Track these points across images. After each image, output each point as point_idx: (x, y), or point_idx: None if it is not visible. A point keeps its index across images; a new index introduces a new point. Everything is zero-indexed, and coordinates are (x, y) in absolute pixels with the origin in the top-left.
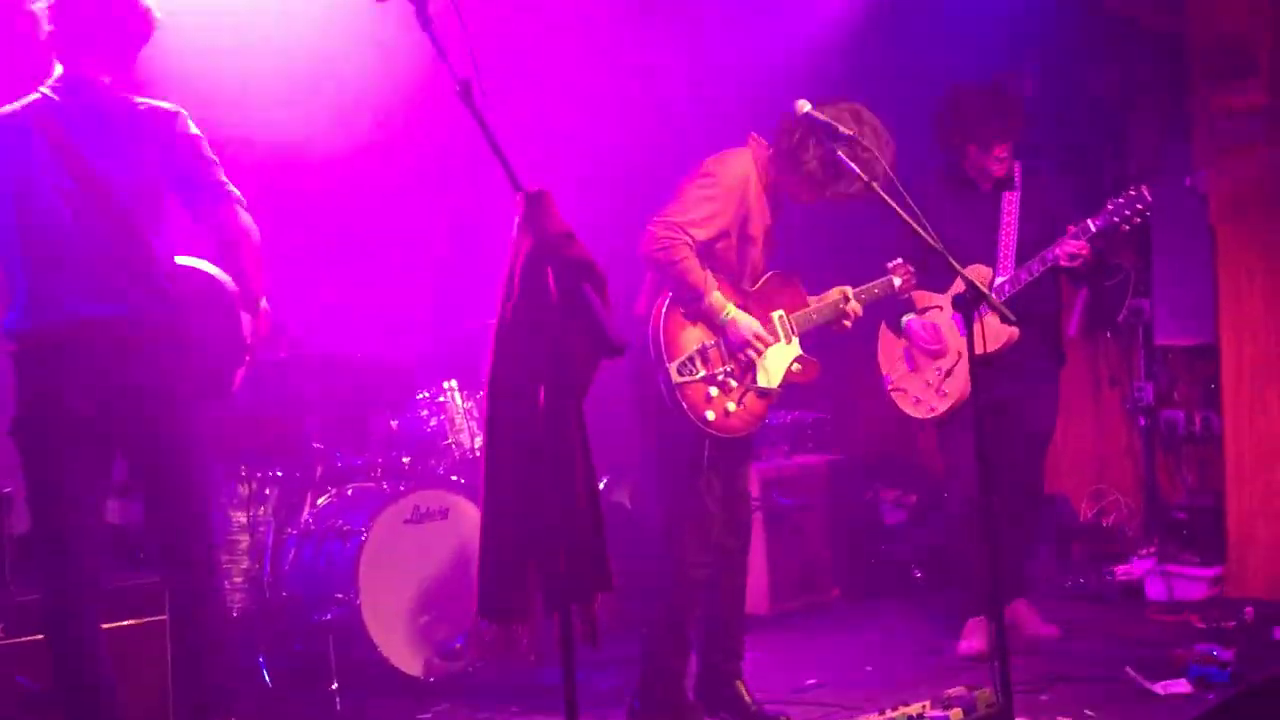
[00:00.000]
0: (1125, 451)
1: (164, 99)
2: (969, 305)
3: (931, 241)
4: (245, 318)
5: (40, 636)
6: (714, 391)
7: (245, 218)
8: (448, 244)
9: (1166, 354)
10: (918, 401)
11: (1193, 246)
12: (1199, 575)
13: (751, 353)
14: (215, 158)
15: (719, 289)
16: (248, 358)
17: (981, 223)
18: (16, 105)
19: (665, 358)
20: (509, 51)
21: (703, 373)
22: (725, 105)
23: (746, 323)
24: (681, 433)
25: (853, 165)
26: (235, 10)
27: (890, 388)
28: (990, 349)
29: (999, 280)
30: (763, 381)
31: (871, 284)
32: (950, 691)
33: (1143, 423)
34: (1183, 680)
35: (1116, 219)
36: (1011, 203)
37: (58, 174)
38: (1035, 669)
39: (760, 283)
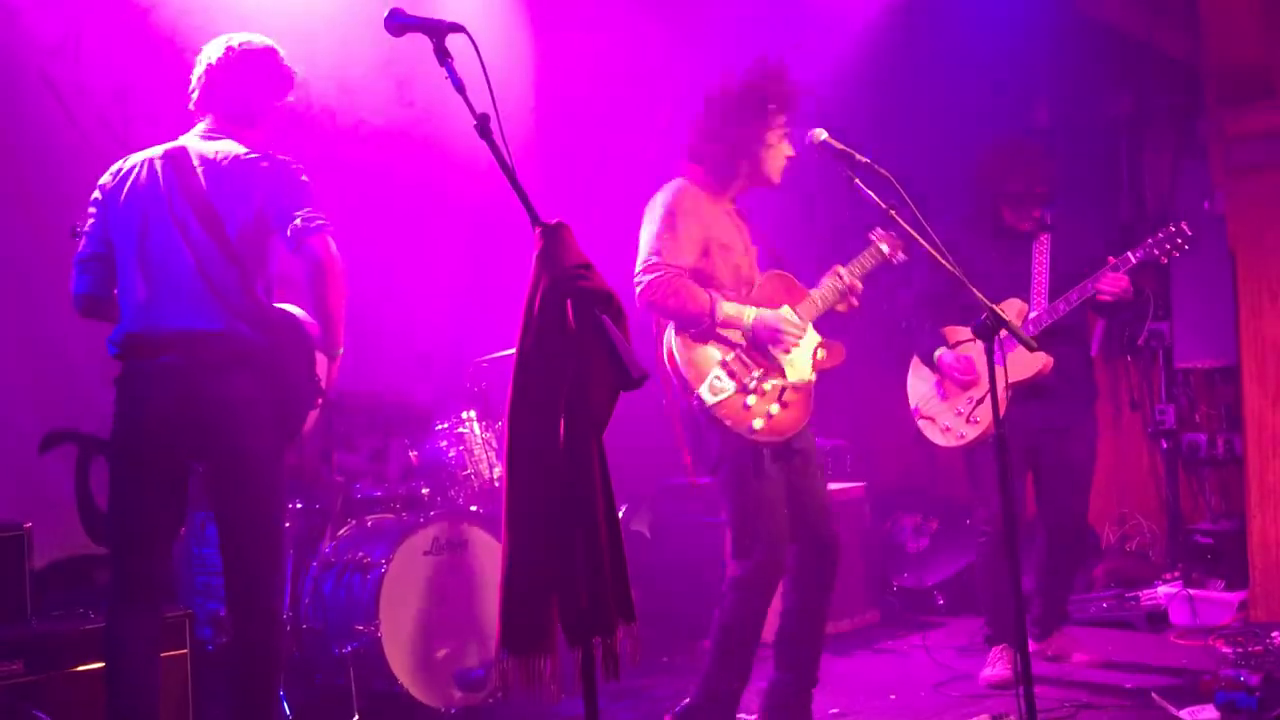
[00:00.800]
0: (1148, 475)
1: None
2: (989, 332)
3: (951, 269)
4: (323, 361)
5: (60, 670)
6: (751, 400)
7: (334, 248)
8: (468, 275)
9: (1187, 376)
10: (947, 430)
11: (1212, 269)
12: (1225, 600)
13: (789, 340)
14: (315, 194)
15: (725, 301)
16: (320, 401)
17: (1015, 260)
18: (160, 148)
19: (691, 386)
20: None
21: (733, 385)
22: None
23: (772, 316)
24: (738, 450)
25: (870, 193)
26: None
27: (919, 417)
28: (1021, 377)
29: (1032, 314)
30: (793, 376)
31: (860, 256)
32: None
33: (1164, 446)
34: (1210, 706)
35: (1156, 251)
36: (1044, 241)
37: (180, 208)
38: (1061, 696)
39: (757, 287)
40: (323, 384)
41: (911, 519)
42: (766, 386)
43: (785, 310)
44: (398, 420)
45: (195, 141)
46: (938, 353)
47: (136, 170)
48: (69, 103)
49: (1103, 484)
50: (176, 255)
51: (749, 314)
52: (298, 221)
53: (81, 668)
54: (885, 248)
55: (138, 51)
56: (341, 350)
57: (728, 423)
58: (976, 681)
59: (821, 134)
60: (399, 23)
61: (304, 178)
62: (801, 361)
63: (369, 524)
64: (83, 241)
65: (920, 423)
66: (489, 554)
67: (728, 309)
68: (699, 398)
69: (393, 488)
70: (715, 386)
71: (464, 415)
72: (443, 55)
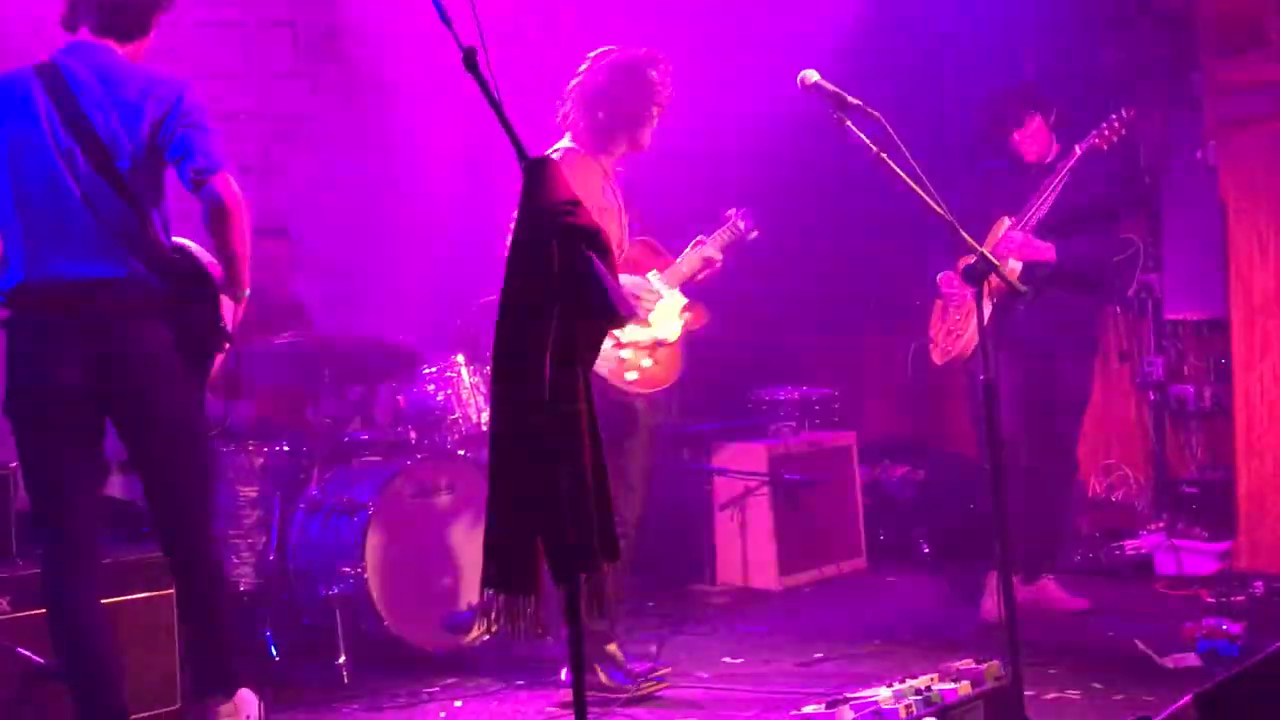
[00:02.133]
0: (1135, 426)
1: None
2: (978, 276)
3: (939, 210)
4: (227, 304)
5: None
6: (627, 354)
7: (235, 188)
8: (457, 218)
9: (1176, 328)
10: (940, 348)
11: (1202, 220)
12: (1208, 550)
13: (644, 306)
14: (214, 129)
15: None
16: (227, 345)
17: (1024, 195)
18: (31, 66)
19: None
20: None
21: (609, 343)
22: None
23: (629, 283)
24: (616, 402)
25: (861, 135)
26: None
27: (928, 343)
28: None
29: (1004, 230)
30: (662, 334)
31: (718, 231)
32: (958, 664)
33: (1152, 397)
34: (1192, 654)
35: (1097, 140)
36: (1050, 186)
37: (60, 133)
38: (1044, 642)
39: (624, 251)
40: (229, 327)
41: (899, 469)
42: (637, 339)
43: (651, 274)
44: (385, 364)
45: (72, 58)
46: (939, 276)
47: (4, 91)
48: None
49: (1090, 434)
50: (61, 191)
51: None
52: (196, 158)
53: None
54: (741, 224)
55: None
56: (247, 292)
57: (606, 376)
58: (966, 624)
59: (813, 75)
60: None
61: (197, 98)
62: (668, 321)
63: (356, 467)
64: None
65: (931, 349)
66: (476, 497)
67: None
68: None
69: (380, 432)
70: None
71: (453, 359)
72: None
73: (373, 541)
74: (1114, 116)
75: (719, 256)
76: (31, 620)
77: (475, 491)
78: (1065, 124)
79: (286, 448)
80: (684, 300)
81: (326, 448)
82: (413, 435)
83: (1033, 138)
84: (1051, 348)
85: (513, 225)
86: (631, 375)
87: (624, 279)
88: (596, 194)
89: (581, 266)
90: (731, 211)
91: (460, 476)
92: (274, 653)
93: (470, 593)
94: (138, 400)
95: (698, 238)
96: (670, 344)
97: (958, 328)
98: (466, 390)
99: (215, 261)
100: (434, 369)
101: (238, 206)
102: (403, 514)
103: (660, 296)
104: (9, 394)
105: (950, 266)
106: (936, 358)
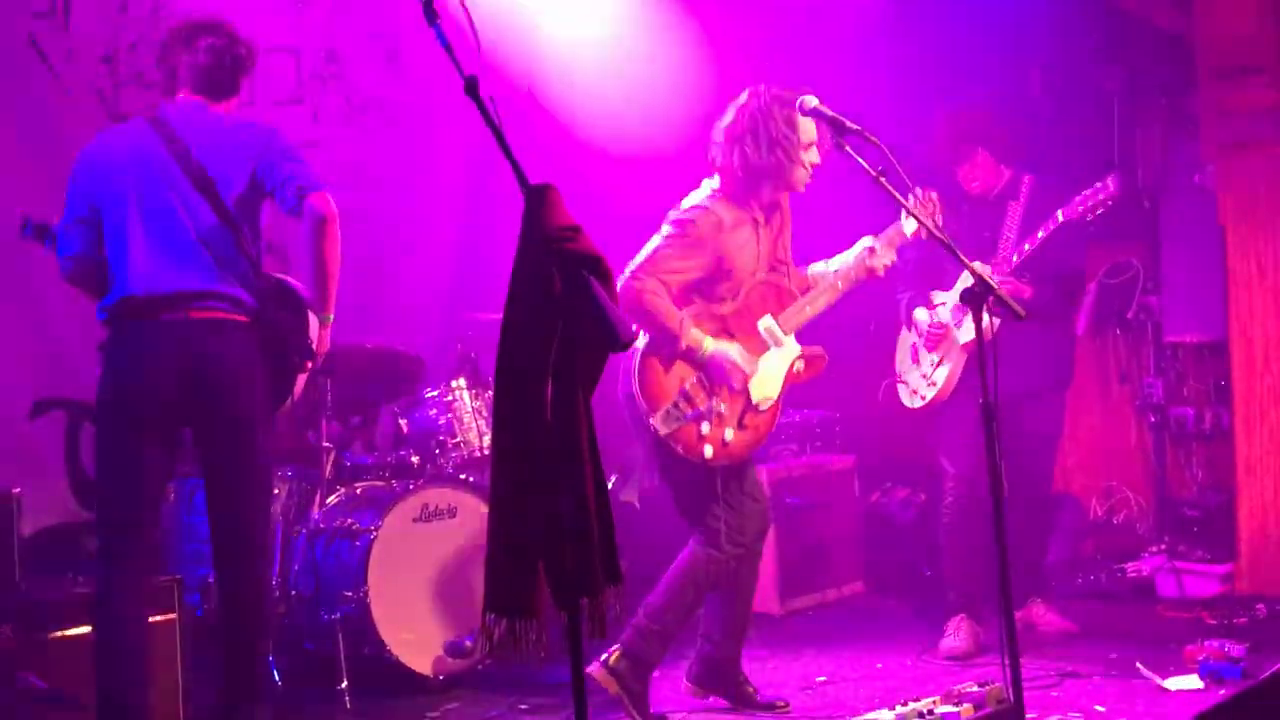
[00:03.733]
0: (1135, 448)
1: None
2: (977, 298)
3: (938, 235)
4: (314, 324)
5: (51, 634)
6: (705, 428)
7: (334, 206)
8: (460, 242)
9: (1176, 350)
10: (913, 392)
11: (1202, 243)
12: (1210, 572)
13: (734, 382)
14: (308, 160)
15: (696, 323)
16: (310, 365)
17: (982, 227)
18: (145, 115)
19: (649, 412)
20: None
21: (689, 413)
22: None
23: (725, 355)
24: (692, 474)
25: (859, 158)
26: None
27: (896, 381)
28: (968, 339)
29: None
30: (758, 395)
31: (888, 230)
32: (960, 688)
33: (1153, 420)
34: (1194, 677)
35: (1081, 209)
36: (1015, 213)
37: (175, 174)
38: (1046, 665)
39: (741, 296)
40: (314, 348)
41: (902, 491)
42: (724, 409)
43: (764, 324)
44: (387, 388)
45: (178, 109)
46: (916, 311)
47: (123, 138)
48: (57, 67)
49: (1091, 457)
50: (173, 221)
51: (708, 345)
52: (296, 181)
53: (69, 632)
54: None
55: (125, 17)
56: (332, 316)
57: (680, 449)
58: (940, 654)
59: (812, 100)
60: None
61: (290, 140)
62: (772, 379)
63: (358, 491)
64: (65, 208)
65: (898, 386)
66: (478, 522)
67: (691, 336)
68: (653, 425)
69: (382, 455)
70: (670, 415)
71: (454, 383)
72: (431, 15)
73: (375, 566)
74: (1099, 186)
75: (890, 260)
76: (34, 646)
77: (477, 516)
78: (1011, 151)
79: (289, 472)
80: (797, 351)
81: (329, 472)
82: (415, 459)
83: (978, 171)
84: (1023, 384)
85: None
86: (709, 451)
87: (721, 347)
88: (726, 247)
89: (582, 293)
90: (917, 193)
91: (462, 501)
92: (276, 678)
93: (473, 617)
94: (216, 400)
95: (866, 238)
96: (769, 407)
97: (931, 377)
98: (468, 414)
99: (304, 287)
100: (436, 392)
101: (336, 221)
102: (405, 539)
103: (752, 373)
104: (103, 400)
105: (919, 290)
106: (905, 400)
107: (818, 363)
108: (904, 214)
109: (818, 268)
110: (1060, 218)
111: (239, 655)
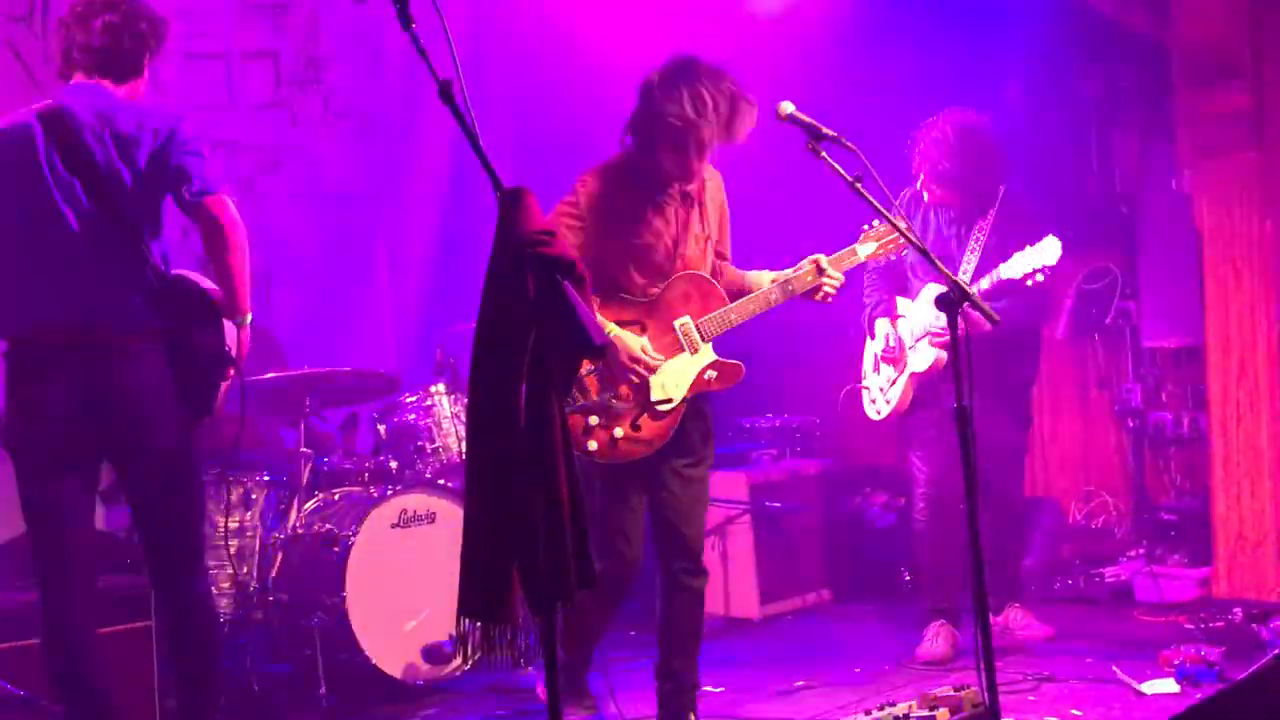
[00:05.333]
0: (1114, 453)
1: None
2: (952, 304)
3: (915, 243)
4: (231, 331)
5: (23, 642)
6: (594, 420)
7: (233, 210)
8: (439, 244)
9: (1154, 356)
10: (873, 401)
11: (1179, 248)
12: (1187, 576)
13: (633, 379)
14: (210, 156)
15: (603, 307)
16: (231, 372)
17: (947, 239)
18: (28, 110)
19: None
20: None
21: (579, 402)
22: None
23: (626, 347)
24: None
25: (835, 165)
26: None
27: (859, 385)
28: (920, 369)
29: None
30: (658, 396)
31: (792, 277)
32: (937, 692)
33: (1131, 424)
34: (1170, 681)
35: (1021, 273)
36: (984, 222)
37: (60, 168)
38: (1022, 669)
39: (664, 288)
40: (233, 353)
41: (881, 496)
42: (618, 405)
43: (680, 323)
44: (365, 394)
45: (70, 98)
46: (878, 322)
47: (7, 136)
48: (35, 71)
49: (1069, 462)
50: (61, 225)
51: (611, 331)
52: (195, 179)
53: (37, 640)
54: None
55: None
56: (249, 317)
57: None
58: (916, 658)
59: (788, 107)
60: None
61: (194, 132)
62: (677, 383)
63: (336, 497)
64: None
65: (862, 390)
66: (456, 527)
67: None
68: None
69: (360, 461)
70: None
71: (432, 389)
72: (406, 20)
73: (353, 572)
74: (1042, 249)
75: (838, 282)
76: (8, 652)
77: (456, 522)
78: (990, 165)
79: (267, 478)
80: (711, 358)
81: (306, 478)
82: (393, 465)
83: (935, 196)
84: (986, 395)
85: (491, 254)
86: (592, 445)
87: (623, 336)
88: (626, 212)
89: (555, 297)
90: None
91: (441, 506)
92: (254, 684)
93: (451, 623)
94: (133, 431)
95: (816, 256)
96: (667, 411)
97: (888, 394)
98: (447, 419)
99: (218, 290)
100: (414, 398)
101: (234, 226)
102: (384, 544)
103: (657, 365)
104: (8, 426)
105: (885, 298)
106: (867, 408)
107: (734, 374)
108: (861, 238)
109: (761, 275)
110: (1000, 275)
111: (194, 678)
